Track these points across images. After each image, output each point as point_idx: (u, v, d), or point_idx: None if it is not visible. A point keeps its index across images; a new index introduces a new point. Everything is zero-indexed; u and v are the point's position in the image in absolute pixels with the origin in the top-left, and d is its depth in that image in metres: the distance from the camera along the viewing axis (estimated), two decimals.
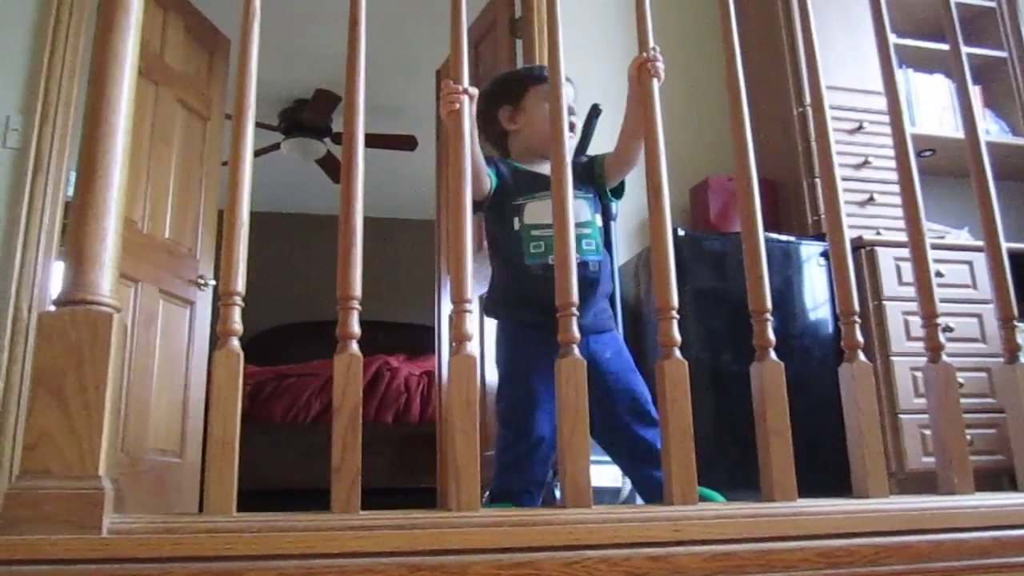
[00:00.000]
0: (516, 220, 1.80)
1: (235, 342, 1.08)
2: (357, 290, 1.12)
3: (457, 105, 1.27)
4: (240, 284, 1.10)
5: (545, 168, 1.79)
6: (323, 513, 1.04)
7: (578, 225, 1.71)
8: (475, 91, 1.43)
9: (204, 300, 3.65)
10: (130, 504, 2.97)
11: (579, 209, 1.76)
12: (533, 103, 1.91)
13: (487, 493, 1.77)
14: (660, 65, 1.47)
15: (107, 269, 1.03)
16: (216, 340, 1.09)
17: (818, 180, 2.91)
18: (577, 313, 1.19)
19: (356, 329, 1.11)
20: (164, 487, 3.33)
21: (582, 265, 1.71)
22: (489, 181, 1.81)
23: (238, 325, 1.09)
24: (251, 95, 1.17)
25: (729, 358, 2.65)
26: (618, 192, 1.94)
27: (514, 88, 1.97)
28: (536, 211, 1.79)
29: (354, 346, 1.10)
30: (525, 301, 1.77)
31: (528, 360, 1.72)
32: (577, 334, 1.18)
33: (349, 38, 1.23)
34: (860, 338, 1.32)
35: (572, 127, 1.93)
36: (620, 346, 1.85)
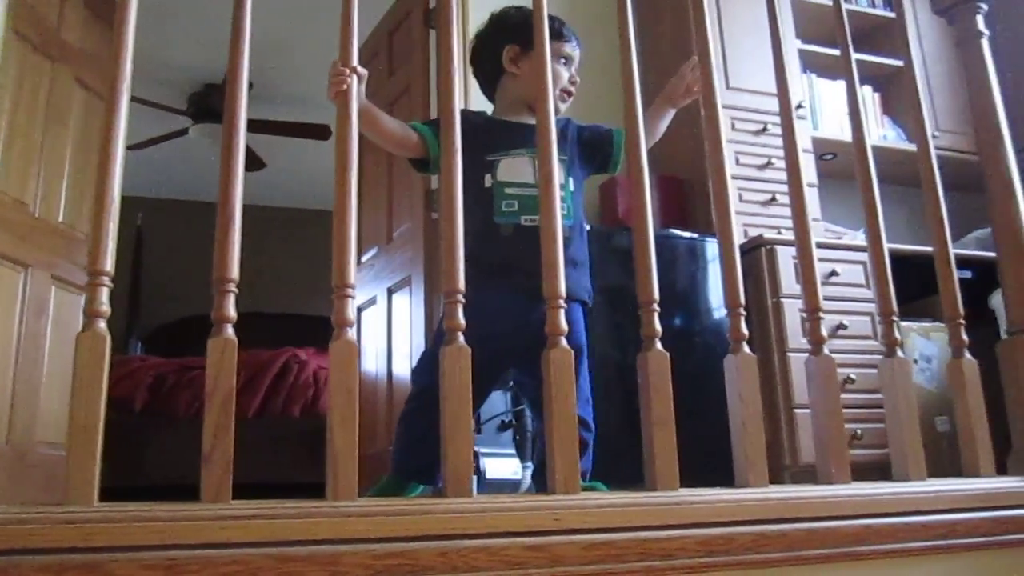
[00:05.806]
0: (488, 177, 1.70)
1: (101, 324, 1.03)
2: (234, 272, 1.09)
3: (344, 86, 1.24)
4: (108, 264, 1.05)
5: (531, 120, 1.73)
6: (191, 503, 1.00)
7: None
8: (364, 71, 1.40)
9: None
10: (16, 500, 2.83)
11: None
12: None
13: (383, 478, 1.72)
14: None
15: None
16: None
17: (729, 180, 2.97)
18: (463, 300, 1.18)
19: (232, 313, 1.07)
20: (55, 482, 3.18)
21: None
22: (418, 136, 1.71)
23: (105, 307, 1.04)
24: (127, 64, 1.12)
25: (636, 354, 2.66)
26: (618, 165, 1.87)
27: (529, 31, 1.77)
28: (511, 168, 1.71)
29: (229, 330, 1.07)
30: (490, 264, 1.60)
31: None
32: (463, 321, 1.17)
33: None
34: (745, 330, 1.34)
35: (569, 95, 1.83)
36: (576, 322, 1.67)
